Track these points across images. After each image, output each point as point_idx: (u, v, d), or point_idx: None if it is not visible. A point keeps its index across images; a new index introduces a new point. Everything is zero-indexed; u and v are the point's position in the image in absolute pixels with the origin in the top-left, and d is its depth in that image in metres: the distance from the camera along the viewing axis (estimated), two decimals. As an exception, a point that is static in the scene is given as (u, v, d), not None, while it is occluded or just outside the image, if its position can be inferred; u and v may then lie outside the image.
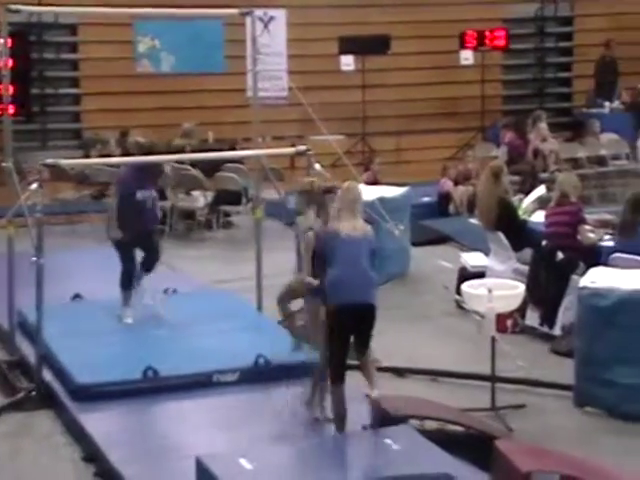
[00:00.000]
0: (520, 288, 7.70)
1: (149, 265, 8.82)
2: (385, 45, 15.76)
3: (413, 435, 5.89)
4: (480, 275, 9.14)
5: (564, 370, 7.55)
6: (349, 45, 15.75)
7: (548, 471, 5.36)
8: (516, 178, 13.47)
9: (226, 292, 9.53)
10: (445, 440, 6.00)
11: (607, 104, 15.87)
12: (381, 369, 7.93)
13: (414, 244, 11.07)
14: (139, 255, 8.80)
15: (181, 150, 12.67)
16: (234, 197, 12.92)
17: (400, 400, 6.58)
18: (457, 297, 8.93)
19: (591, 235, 9.10)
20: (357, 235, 6.28)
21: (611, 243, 8.84)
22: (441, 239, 12.10)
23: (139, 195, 8.59)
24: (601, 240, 9.09)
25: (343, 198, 6.42)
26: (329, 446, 5.94)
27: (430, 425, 6.34)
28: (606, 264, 8.18)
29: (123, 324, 8.47)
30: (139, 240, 8.70)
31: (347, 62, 15.89)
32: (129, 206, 8.53)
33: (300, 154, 8.94)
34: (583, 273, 8.03)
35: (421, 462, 5.46)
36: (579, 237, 8.98)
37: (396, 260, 10.42)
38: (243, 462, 5.33)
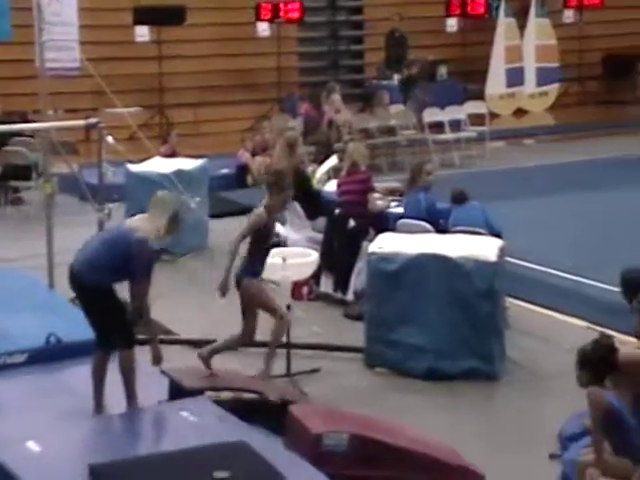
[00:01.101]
0: (313, 256, 7.91)
1: None
2: (181, 16, 15.62)
3: (209, 406, 5.96)
4: (276, 244, 9.30)
5: (356, 333, 7.82)
6: (144, 16, 15.50)
7: (338, 431, 5.58)
8: (312, 148, 13.78)
9: (15, 270, 9.24)
10: (241, 408, 6.11)
11: (396, 76, 16.40)
12: (179, 342, 7.98)
13: (213, 216, 11.13)
14: None
15: (-36, 123, 12.11)
16: (23, 172, 12.49)
17: (195, 372, 6.63)
18: (254, 267, 9.04)
19: (380, 202, 9.43)
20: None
21: (399, 210, 9.20)
22: (240, 210, 12.17)
23: None
24: (389, 207, 9.44)
25: None
26: (122, 422, 5.90)
27: (226, 395, 6.44)
28: (394, 230, 8.53)
29: None
30: None
31: (142, 33, 15.65)
32: None
33: (91, 127, 8.78)
34: (372, 239, 8.33)
35: (216, 432, 5.54)
36: (369, 205, 9.28)
37: (194, 233, 10.41)
38: (31, 445, 5.23)
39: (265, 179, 7.54)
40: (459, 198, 8.63)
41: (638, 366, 5.10)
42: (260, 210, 6.90)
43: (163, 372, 6.34)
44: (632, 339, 5.70)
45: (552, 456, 5.79)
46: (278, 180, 7.01)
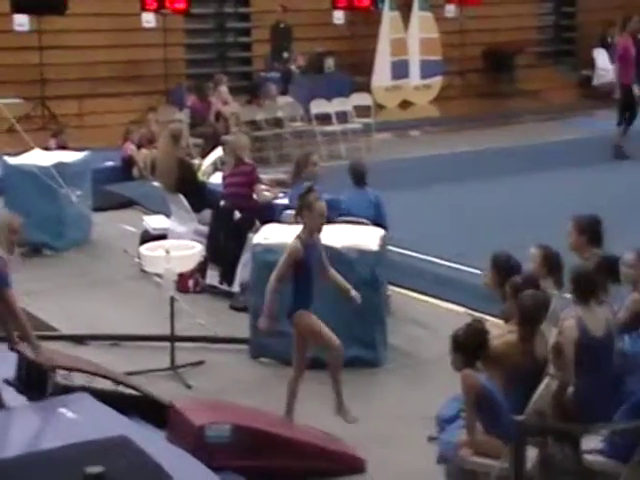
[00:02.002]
0: (197, 248, 7.89)
1: None
2: (62, 5, 15.28)
3: (89, 402, 5.88)
4: (162, 237, 9.24)
5: (242, 325, 7.84)
6: (23, 4, 15.11)
7: (220, 423, 5.60)
8: (199, 141, 13.71)
9: None
10: (123, 403, 6.06)
11: (283, 68, 16.44)
12: (60, 337, 7.86)
13: (97, 209, 10.98)
14: None
15: None
16: None
17: (49, 351, 6.34)
18: (138, 260, 8.98)
19: (267, 194, 9.45)
20: None
21: (285, 201, 9.24)
22: (125, 203, 12.07)
23: None
24: (276, 198, 9.48)
25: None
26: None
27: (108, 389, 6.37)
28: (279, 221, 8.57)
29: None
30: None
31: (21, 22, 15.25)
32: None
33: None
34: (258, 231, 8.35)
35: (97, 427, 5.47)
36: (255, 196, 9.30)
37: (77, 226, 10.29)
38: None
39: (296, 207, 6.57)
40: (359, 180, 8.70)
41: (507, 350, 5.28)
42: (294, 242, 6.30)
43: (13, 349, 6.14)
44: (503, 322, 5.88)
45: (430, 438, 5.93)
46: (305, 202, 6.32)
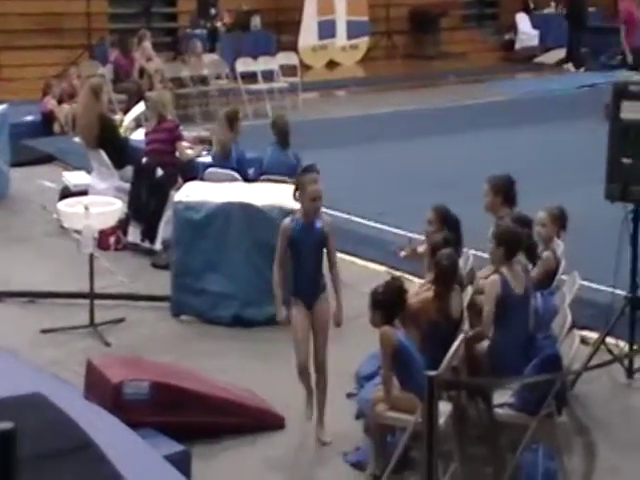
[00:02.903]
0: (117, 204, 7.78)
1: None
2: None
3: (2, 358, 5.78)
4: (83, 194, 9.08)
5: (163, 283, 7.77)
6: None
7: (138, 379, 5.56)
8: (123, 97, 13.49)
9: None
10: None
11: (209, 25, 16.24)
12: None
13: (15, 164, 10.75)
14: None
15: None
16: None
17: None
18: (57, 217, 8.83)
19: (189, 151, 9.37)
20: None
21: (208, 159, 9.17)
22: (44, 159, 11.83)
23: None
24: (199, 156, 9.39)
25: None
26: None
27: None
28: (202, 179, 8.50)
29: None
30: None
31: None
32: None
33: None
34: (180, 188, 8.27)
35: (9, 384, 5.38)
36: (177, 154, 9.21)
37: (-7, 181, 10.08)
38: None
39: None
40: (282, 139, 8.64)
41: (424, 307, 5.35)
42: (286, 220, 5.81)
43: None
44: (422, 281, 5.95)
45: (349, 395, 5.99)
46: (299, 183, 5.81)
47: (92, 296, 7.23)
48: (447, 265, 5.36)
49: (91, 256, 7.24)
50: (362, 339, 6.15)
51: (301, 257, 5.67)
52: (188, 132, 9.93)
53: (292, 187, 7.94)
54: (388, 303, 5.07)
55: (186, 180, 8.50)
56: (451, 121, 14.06)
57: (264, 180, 8.32)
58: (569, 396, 5.50)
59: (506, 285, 5.35)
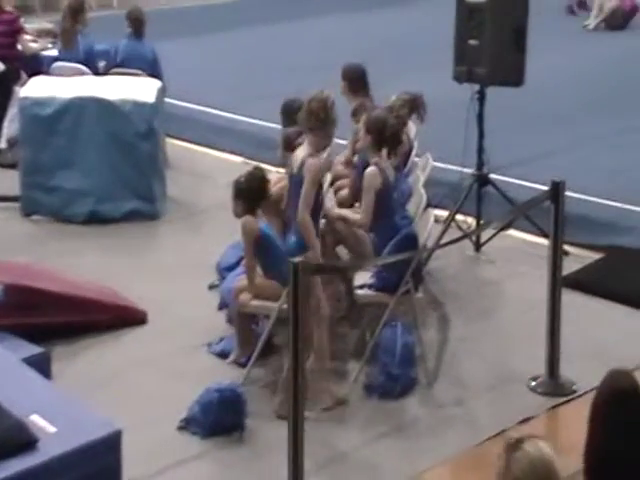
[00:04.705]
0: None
1: None
2: None
3: None
4: None
5: (11, 182, 7.50)
6: None
7: (-8, 282, 5.38)
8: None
9: None
10: None
11: None
12: None
13: None
14: None
15: None
16: None
17: None
18: None
19: (33, 45, 8.97)
20: None
21: (54, 52, 8.79)
22: None
23: None
24: (44, 49, 9.00)
25: None
26: None
27: None
28: (48, 73, 8.16)
29: None
30: None
31: None
32: None
33: None
34: (25, 83, 7.93)
35: None
36: (20, 47, 8.78)
37: None
38: None
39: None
40: (137, 30, 8.34)
41: (283, 195, 5.35)
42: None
43: None
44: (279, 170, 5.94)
45: (211, 286, 5.98)
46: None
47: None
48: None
49: None
50: (222, 230, 6.14)
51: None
52: (29, 24, 9.48)
53: (146, 80, 7.77)
54: (251, 192, 5.04)
55: (31, 75, 8.14)
56: (301, 6, 13.90)
57: (116, 73, 8.05)
58: (424, 272, 5.67)
59: (384, 175, 5.33)
